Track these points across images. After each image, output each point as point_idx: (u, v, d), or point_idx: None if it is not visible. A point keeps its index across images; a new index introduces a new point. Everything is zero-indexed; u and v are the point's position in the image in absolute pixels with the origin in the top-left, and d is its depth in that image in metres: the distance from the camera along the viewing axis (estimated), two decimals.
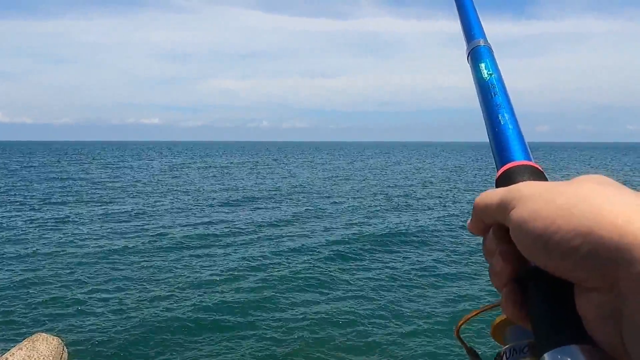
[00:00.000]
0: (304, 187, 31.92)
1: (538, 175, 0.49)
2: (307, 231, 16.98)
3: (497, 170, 0.52)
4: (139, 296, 10.36)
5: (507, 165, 0.51)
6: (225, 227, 17.66)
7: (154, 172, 47.09)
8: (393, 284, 11.25)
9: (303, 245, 14.87)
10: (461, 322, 0.52)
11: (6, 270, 12.35)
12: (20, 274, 12.02)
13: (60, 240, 15.60)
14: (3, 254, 13.80)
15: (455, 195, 27.42)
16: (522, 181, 0.48)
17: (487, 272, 0.47)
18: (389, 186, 32.58)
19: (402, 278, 11.68)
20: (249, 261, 13.11)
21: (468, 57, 0.66)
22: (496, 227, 0.45)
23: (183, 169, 51.22)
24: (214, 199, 25.98)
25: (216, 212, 21.51)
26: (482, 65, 0.62)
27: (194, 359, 7.75)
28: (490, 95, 0.58)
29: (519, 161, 0.51)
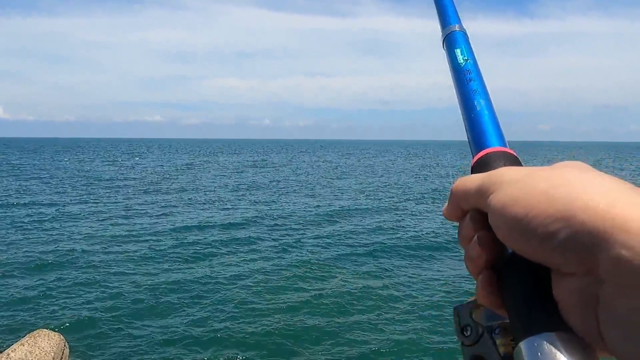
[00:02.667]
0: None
1: (514, 161, 0.49)
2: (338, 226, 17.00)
3: (473, 157, 0.51)
4: (141, 295, 10.36)
5: (483, 151, 0.50)
6: (229, 227, 17.69)
7: (165, 169, 47.17)
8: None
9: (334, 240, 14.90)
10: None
11: (10, 266, 12.37)
12: (23, 271, 12.05)
13: (64, 238, 15.63)
14: (8, 251, 13.83)
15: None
16: (499, 167, 0.47)
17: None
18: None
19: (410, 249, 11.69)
20: (258, 262, 13.13)
21: (443, 43, 0.65)
22: (473, 212, 0.44)
23: (195, 167, 51.28)
24: (220, 197, 26.03)
25: (219, 211, 21.54)
26: (458, 51, 0.60)
27: (195, 355, 7.77)
28: (466, 81, 0.57)
29: (495, 147, 0.50)
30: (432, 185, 32.43)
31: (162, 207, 21.96)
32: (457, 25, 0.64)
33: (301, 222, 18.26)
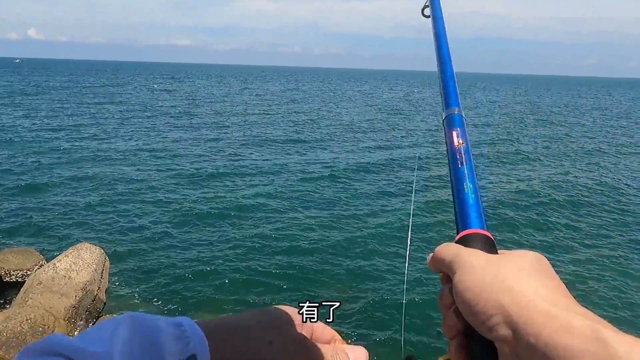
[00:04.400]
0: None
1: (489, 243, 0.59)
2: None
3: (457, 233, 0.61)
4: (180, 220, 10.79)
5: (465, 231, 0.60)
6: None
7: (203, 95, 47.31)
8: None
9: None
10: None
11: (57, 184, 13.01)
12: (67, 188, 12.67)
13: (106, 158, 16.23)
14: (52, 170, 14.47)
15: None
16: (475, 247, 0.58)
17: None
18: None
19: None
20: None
21: (443, 121, 0.75)
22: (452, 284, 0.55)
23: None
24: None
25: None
26: (455, 133, 0.70)
27: (223, 281, 8.20)
28: (459, 164, 0.66)
29: (474, 229, 0.60)
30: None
31: (203, 137, 22.25)
32: (456, 109, 0.74)
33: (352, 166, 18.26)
